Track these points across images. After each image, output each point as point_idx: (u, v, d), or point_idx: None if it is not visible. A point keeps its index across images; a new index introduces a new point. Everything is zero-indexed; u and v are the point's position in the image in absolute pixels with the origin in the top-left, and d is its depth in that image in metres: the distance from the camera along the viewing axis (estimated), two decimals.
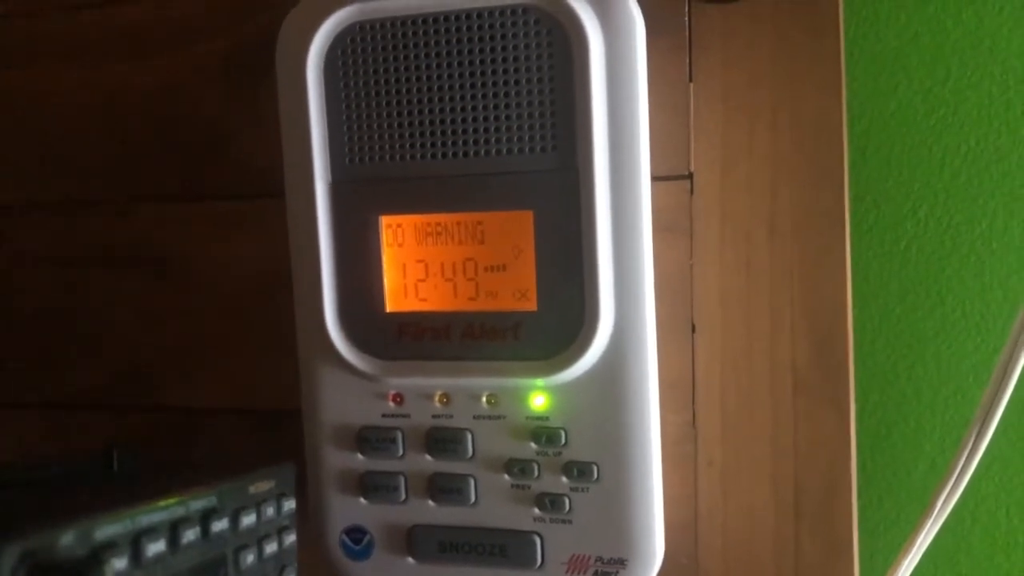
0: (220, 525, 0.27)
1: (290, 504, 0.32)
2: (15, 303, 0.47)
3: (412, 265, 0.36)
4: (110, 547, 0.22)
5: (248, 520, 0.29)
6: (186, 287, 0.44)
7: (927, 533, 0.36)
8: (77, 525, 0.22)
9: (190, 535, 0.26)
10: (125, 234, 0.45)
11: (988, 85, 0.42)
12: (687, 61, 0.38)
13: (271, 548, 0.30)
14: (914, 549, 0.37)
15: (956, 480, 0.35)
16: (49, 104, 0.46)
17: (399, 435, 0.37)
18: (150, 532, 0.24)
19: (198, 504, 0.26)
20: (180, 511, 0.25)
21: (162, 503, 0.25)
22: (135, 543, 0.24)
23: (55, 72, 0.45)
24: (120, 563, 0.23)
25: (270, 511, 0.30)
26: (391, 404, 0.37)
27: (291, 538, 0.32)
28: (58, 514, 0.22)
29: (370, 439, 0.38)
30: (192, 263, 0.44)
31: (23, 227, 0.46)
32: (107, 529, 0.22)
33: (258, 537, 0.30)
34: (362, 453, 0.38)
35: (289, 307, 0.38)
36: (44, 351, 0.46)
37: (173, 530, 0.25)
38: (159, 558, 0.24)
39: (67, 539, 0.21)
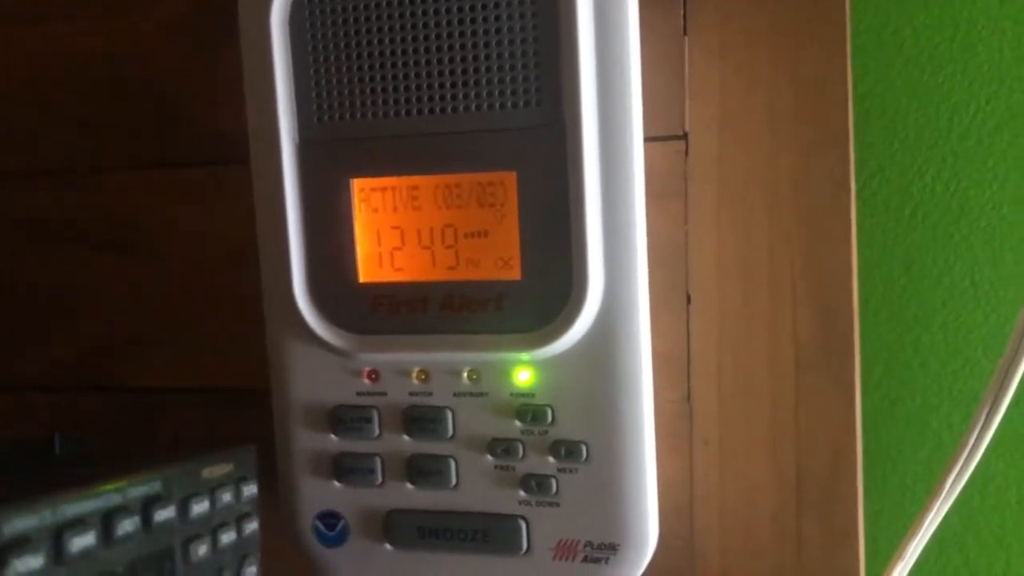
0: (166, 514, 0.25)
1: (251, 489, 0.30)
2: None
3: (387, 232, 0.34)
4: (20, 543, 0.20)
5: (200, 508, 0.26)
6: (148, 259, 0.42)
7: (935, 514, 0.34)
8: None
9: (127, 526, 0.23)
10: (83, 205, 0.43)
11: (999, 41, 0.40)
12: (682, 13, 0.36)
13: (228, 537, 0.28)
14: (921, 531, 0.35)
15: (966, 459, 0.34)
16: (4, 68, 0.43)
17: (375, 414, 0.35)
18: (76, 524, 0.21)
19: (138, 491, 0.24)
20: (116, 499, 0.23)
21: (94, 490, 0.22)
22: (56, 537, 0.21)
23: (9, 34, 0.43)
24: (33, 561, 0.20)
25: (227, 497, 0.28)
26: (366, 381, 0.35)
27: (252, 526, 0.30)
28: None
29: (344, 419, 0.35)
30: (154, 234, 0.42)
31: None
32: (17, 523, 0.20)
33: (213, 526, 0.27)
34: (335, 434, 0.36)
35: (258, 280, 0.36)
36: None
37: (106, 520, 0.23)
38: (87, 553, 0.22)
39: None
